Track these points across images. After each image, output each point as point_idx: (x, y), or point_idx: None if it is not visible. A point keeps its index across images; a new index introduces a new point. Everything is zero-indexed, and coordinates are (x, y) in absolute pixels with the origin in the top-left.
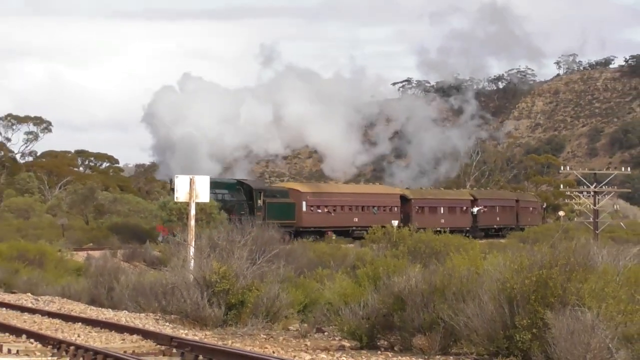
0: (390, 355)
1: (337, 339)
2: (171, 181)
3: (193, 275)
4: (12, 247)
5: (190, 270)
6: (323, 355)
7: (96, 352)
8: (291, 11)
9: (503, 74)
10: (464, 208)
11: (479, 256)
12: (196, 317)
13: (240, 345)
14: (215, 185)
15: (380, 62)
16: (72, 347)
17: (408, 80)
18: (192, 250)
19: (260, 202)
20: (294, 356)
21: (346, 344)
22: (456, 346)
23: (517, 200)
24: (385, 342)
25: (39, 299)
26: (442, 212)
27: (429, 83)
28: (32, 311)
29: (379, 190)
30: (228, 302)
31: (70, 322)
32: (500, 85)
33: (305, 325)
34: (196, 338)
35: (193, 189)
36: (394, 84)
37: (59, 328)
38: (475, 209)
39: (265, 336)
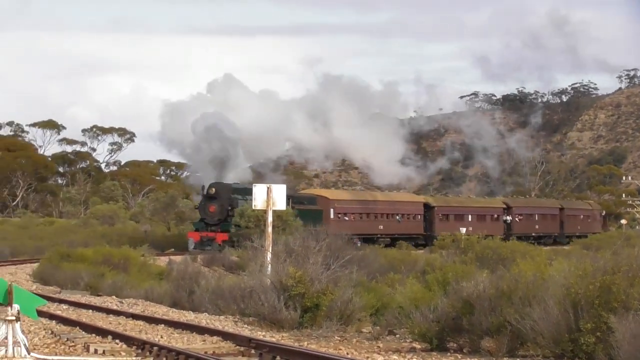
0: (459, 357)
1: (408, 341)
2: (203, 187)
3: (270, 280)
4: (98, 253)
5: (267, 274)
6: (395, 357)
7: (178, 353)
8: (358, 28)
9: (567, 88)
10: (496, 216)
11: (545, 262)
12: (273, 320)
13: (316, 347)
14: (242, 191)
15: (446, 76)
16: (155, 348)
17: (475, 94)
18: (269, 255)
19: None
20: (367, 357)
21: (417, 346)
22: (523, 348)
23: (561, 209)
24: (455, 345)
25: (124, 301)
26: (469, 219)
27: (495, 96)
28: (117, 313)
29: (404, 198)
30: (303, 305)
31: (153, 324)
32: (564, 98)
33: (378, 327)
34: (273, 340)
35: (270, 197)
36: (461, 97)
37: (143, 329)
38: (508, 217)
39: (339, 338)
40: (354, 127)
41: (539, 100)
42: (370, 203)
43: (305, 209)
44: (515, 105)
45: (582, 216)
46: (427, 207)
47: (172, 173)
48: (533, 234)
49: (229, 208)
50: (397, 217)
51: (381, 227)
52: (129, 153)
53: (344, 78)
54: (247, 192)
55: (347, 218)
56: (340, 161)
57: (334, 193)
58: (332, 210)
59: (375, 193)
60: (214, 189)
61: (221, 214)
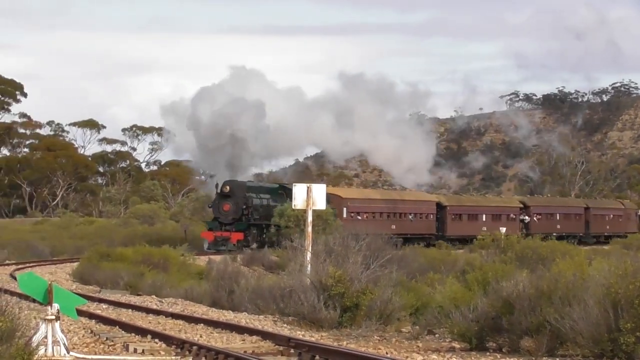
0: (498, 357)
1: (447, 340)
2: (217, 185)
3: (310, 279)
4: (138, 252)
5: (307, 274)
6: (434, 356)
7: (218, 352)
8: (398, 27)
9: (607, 87)
10: (512, 216)
11: (584, 262)
12: (312, 319)
13: (355, 346)
14: (257, 190)
15: (487, 76)
16: (194, 347)
17: (515, 93)
18: (309, 255)
19: None
20: (407, 357)
21: (456, 345)
22: (562, 348)
23: (586, 208)
24: (494, 344)
25: (163, 301)
26: (484, 219)
27: (535, 95)
28: (156, 312)
29: (416, 197)
30: (343, 304)
31: (192, 323)
32: (605, 97)
33: (417, 327)
34: (313, 339)
35: (310, 196)
36: (501, 96)
37: (182, 329)
38: (526, 217)
39: (378, 338)
40: (377, 131)
41: (580, 99)
42: (383, 202)
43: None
44: (556, 104)
45: (612, 215)
46: (440, 206)
47: (212, 173)
48: (554, 234)
49: (244, 207)
50: (410, 217)
51: (394, 226)
52: (169, 153)
53: (368, 77)
54: (261, 190)
55: (359, 217)
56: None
57: (347, 191)
58: (345, 209)
59: (389, 191)
60: (228, 187)
61: (236, 212)
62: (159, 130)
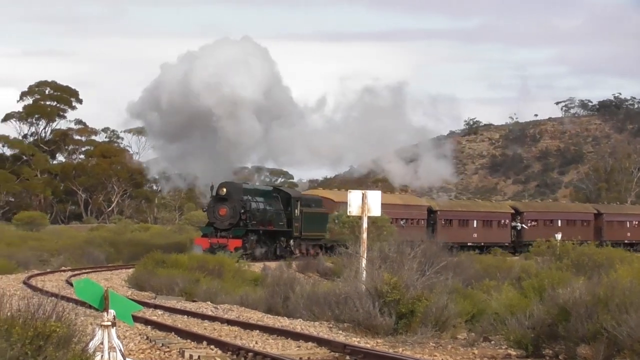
0: None
1: (503, 347)
2: (212, 187)
3: (365, 286)
4: (193, 258)
5: (362, 281)
6: None
7: (273, 358)
8: (449, 33)
9: None
10: (503, 222)
11: None
12: (368, 326)
13: (411, 353)
14: (253, 192)
15: (542, 82)
16: (250, 354)
17: (570, 99)
18: (364, 262)
19: (297, 211)
20: None
21: (512, 352)
22: (619, 356)
23: (597, 214)
24: (550, 351)
25: (218, 307)
26: (474, 225)
27: (591, 102)
28: (211, 319)
29: (408, 201)
30: (398, 311)
31: (248, 330)
32: None
33: (473, 334)
34: (368, 346)
35: (365, 203)
36: (557, 103)
37: (238, 335)
38: (519, 224)
39: (434, 344)
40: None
41: (636, 106)
42: None
43: (312, 213)
44: (612, 111)
45: (635, 222)
46: (431, 211)
47: (267, 179)
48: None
49: (242, 211)
50: (402, 222)
51: (385, 232)
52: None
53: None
54: (256, 192)
55: None
56: None
57: (340, 195)
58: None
59: (384, 195)
60: (224, 189)
61: (233, 217)
62: None
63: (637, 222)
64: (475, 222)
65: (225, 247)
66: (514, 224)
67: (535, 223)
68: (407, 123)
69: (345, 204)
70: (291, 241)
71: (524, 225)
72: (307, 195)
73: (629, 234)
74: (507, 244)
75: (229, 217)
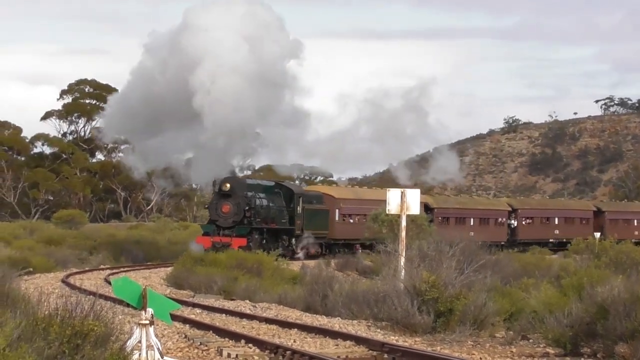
0: None
1: (541, 346)
2: (214, 182)
3: (404, 284)
4: (231, 256)
5: (401, 279)
6: None
7: (311, 357)
8: (489, 31)
9: None
10: (501, 220)
11: None
12: (406, 324)
13: (449, 352)
14: (255, 188)
15: (581, 80)
16: (288, 352)
17: (610, 98)
18: (402, 260)
19: (299, 208)
20: None
21: (550, 351)
22: None
23: (598, 211)
24: (588, 350)
25: (257, 305)
26: (471, 223)
27: (630, 100)
28: (250, 317)
29: None
30: (437, 309)
31: (286, 328)
32: None
33: (511, 332)
34: (406, 344)
35: (404, 201)
36: (596, 101)
37: (276, 333)
38: (514, 221)
39: (472, 343)
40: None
41: None
42: (373, 203)
43: (314, 209)
44: None
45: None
46: (427, 208)
47: (307, 178)
48: (551, 240)
49: (246, 208)
50: None
51: (385, 230)
52: (263, 158)
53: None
54: (258, 188)
55: (351, 220)
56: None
57: (341, 191)
58: (337, 211)
59: (380, 191)
60: (228, 185)
61: (237, 215)
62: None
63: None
64: (472, 220)
65: (229, 246)
66: (509, 222)
67: (531, 221)
68: (426, 126)
69: (349, 200)
70: (293, 240)
71: (514, 223)
72: (308, 192)
73: (636, 233)
74: (503, 243)
75: (233, 214)
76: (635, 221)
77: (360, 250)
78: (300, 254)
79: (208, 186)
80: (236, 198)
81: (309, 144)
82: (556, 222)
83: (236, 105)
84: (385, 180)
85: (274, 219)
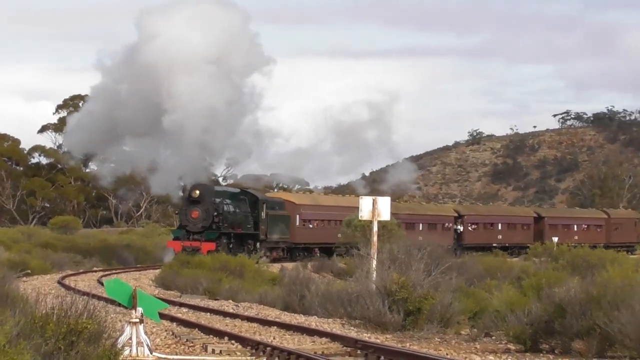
0: (551, 358)
1: (503, 342)
2: (184, 188)
3: (375, 285)
4: (215, 259)
5: (372, 280)
6: (491, 357)
7: (290, 353)
8: (456, 51)
9: None
10: (447, 225)
11: (632, 269)
12: (378, 322)
13: (417, 348)
14: (223, 194)
15: (539, 97)
16: (268, 348)
17: (567, 112)
18: (374, 263)
19: (263, 214)
20: (465, 358)
21: (511, 347)
22: (611, 350)
23: (538, 217)
24: (547, 346)
25: (239, 305)
26: (420, 228)
27: (585, 114)
28: (233, 316)
29: (356, 203)
30: (406, 309)
31: (266, 326)
32: None
33: (475, 330)
34: (378, 341)
35: (376, 208)
36: (554, 115)
37: (257, 331)
38: (459, 227)
39: (439, 340)
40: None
41: (627, 118)
42: (332, 209)
43: (276, 215)
44: (605, 123)
45: (584, 226)
46: None
47: (284, 187)
48: (494, 245)
49: (215, 214)
50: None
51: (340, 235)
52: (246, 168)
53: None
54: (225, 194)
55: (311, 226)
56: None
57: (301, 197)
58: (297, 216)
59: (338, 197)
60: (197, 192)
61: (206, 220)
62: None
63: (586, 226)
64: (420, 225)
65: (198, 251)
66: (455, 227)
67: (476, 226)
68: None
69: (309, 206)
70: (258, 244)
71: (460, 228)
72: (272, 198)
73: (576, 237)
74: (449, 247)
75: (202, 219)
76: (575, 226)
77: (318, 254)
78: (264, 258)
79: (175, 195)
80: (205, 204)
81: (272, 156)
82: (499, 227)
83: (203, 123)
84: (348, 189)
85: (240, 224)
